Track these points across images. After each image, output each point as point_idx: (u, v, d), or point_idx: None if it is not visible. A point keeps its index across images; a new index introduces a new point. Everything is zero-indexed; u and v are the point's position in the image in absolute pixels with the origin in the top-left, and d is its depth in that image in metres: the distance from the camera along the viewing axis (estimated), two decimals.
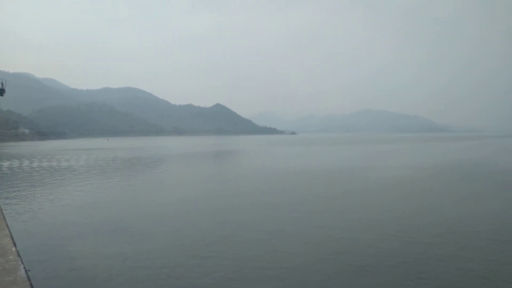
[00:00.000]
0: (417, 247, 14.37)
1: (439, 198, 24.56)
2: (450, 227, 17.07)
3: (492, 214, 19.93)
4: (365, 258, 13.30)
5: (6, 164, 52.92)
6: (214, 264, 12.83)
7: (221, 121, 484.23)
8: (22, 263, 6.84)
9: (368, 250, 14.03)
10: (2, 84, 25.39)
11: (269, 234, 16.21)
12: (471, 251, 13.90)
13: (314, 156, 73.23)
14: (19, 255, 7.24)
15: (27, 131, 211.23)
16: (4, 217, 11.00)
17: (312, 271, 12.33)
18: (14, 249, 7.59)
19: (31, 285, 5.97)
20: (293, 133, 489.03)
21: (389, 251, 13.95)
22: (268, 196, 25.89)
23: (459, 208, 21.36)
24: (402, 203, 23.12)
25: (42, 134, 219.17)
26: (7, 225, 9.92)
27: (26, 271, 6.47)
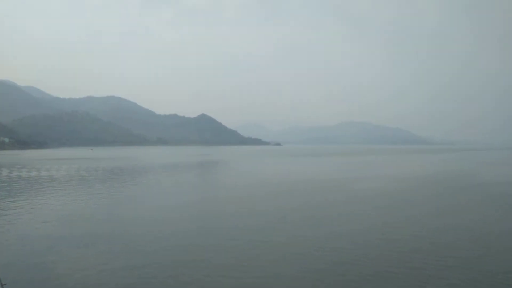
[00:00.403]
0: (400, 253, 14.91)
1: (418, 209, 25.29)
2: (430, 237, 17.71)
3: (471, 224, 20.69)
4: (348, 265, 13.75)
5: None
6: (191, 274, 13.08)
7: (206, 131, 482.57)
8: (0, 281, 6.85)
9: (349, 258, 14.50)
10: None
11: (245, 240, 16.54)
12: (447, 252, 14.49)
13: (301, 168, 73.79)
14: None
15: (6, 139, 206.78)
16: None
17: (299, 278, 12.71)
18: None
19: None
20: (278, 144, 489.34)
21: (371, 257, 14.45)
22: (248, 205, 26.18)
23: (437, 219, 22.08)
24: (384, 212, 23.71)
25: (22, 143, 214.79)
26: None
27: (2, 285, 6.54)
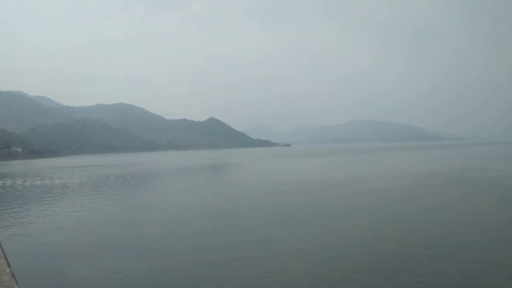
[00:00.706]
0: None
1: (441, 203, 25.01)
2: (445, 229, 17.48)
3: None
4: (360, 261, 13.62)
5: None
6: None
7: (215, 135, 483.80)
8: (17, 283, 6.91)
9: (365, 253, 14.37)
10: None
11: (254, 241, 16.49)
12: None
13: (312, 168, 73.54)
14: (13, 276, 7.30)
15: (20, 150, 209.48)
16: None
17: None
18: (8, 270, 7.66)
19: None
20: (288, 145, 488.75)
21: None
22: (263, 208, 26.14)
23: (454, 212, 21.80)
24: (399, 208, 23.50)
25: (35, 153, 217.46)
26: (1, 246, 9.98)
27: None
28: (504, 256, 14.29)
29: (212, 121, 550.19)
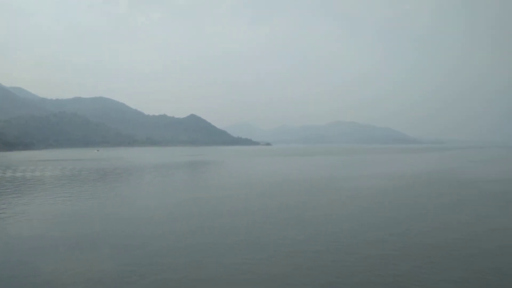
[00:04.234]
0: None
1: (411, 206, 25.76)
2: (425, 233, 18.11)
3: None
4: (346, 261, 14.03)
5: None
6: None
7: (195, 131, 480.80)
8: None
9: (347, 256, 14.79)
10: None
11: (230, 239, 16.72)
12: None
13: (290, 167, 74.18)
14: None
15: None
16: None
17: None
18: None
19: None
20: (268, 144, 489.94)
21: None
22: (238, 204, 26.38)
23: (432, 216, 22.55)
24: (384, 211, 24.11)
25: (8, 145, 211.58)
26: None
27: None
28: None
29: (193, 118, 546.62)
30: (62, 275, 13.19)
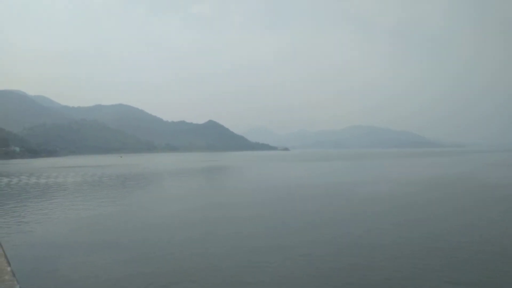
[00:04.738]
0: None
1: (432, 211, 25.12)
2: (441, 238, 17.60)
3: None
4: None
5: None
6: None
7: (213, 137, 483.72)
8: (18, 283, 6.92)
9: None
10: None
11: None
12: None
13: (309, 172, 73.65)
14: (14, 275, 7.28)
15: (17, 149, 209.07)
16: None
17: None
18: (9, 268, 7.64)
19: None
20: (286, 149, 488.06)
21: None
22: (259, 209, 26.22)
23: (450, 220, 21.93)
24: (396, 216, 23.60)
25: (33, 152, 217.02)
26: (0, 244, 9.96)
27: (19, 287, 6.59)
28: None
29: (211, 124, 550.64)
30: (82, 277, 13.47)
